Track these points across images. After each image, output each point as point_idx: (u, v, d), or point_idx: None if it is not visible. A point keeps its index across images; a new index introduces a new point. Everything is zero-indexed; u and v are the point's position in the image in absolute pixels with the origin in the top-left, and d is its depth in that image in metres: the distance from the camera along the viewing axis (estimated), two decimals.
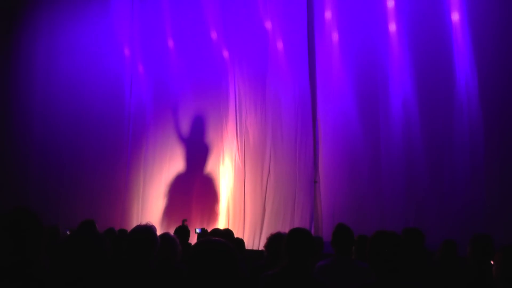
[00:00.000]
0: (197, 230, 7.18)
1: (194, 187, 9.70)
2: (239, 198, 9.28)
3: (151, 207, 9.85)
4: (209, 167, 9.73)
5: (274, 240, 3.98)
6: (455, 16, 8.11)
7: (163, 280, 2.94)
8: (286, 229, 3.97)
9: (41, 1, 11.43)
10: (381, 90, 8.52)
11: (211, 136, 9.79)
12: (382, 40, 8.60)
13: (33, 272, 1.99)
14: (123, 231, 5.86)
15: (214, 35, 10.05)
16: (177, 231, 6.22)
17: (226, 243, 2.00)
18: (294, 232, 3.27)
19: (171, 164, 9.95)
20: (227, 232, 5.25)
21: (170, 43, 10.38)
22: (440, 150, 8.06)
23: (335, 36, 9.02)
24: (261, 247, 7.57)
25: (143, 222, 3.31)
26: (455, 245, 5.01)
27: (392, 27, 8.57)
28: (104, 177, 10.31)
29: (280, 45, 9.42)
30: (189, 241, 6.32)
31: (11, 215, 2.05)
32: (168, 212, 9.69)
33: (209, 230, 6.92)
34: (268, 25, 9.56)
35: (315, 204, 8.73)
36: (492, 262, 3.14)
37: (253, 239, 8.86)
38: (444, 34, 8.14)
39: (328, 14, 9.12)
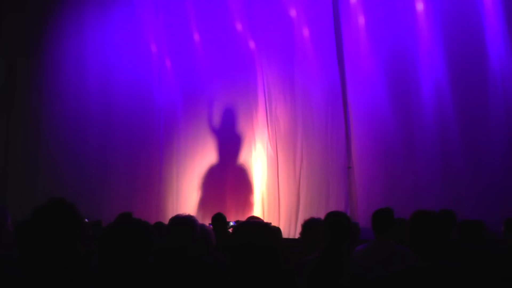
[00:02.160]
0: (231, 223, 7.20)
1: (227, 178, 9.74)
2: (273, 187, 9.29)
3: (186, 200, 9.92)
4: (242, 157, 9.75)
5: (309, 226, 3.96)
6: None
7: (202, 269, 2.95)
8: (321, 216, 3.92)
9: (68, 3, 11.56)
10: (411, 72, 8.38)
11: (241, 127, 9.81)
12: (410, 20, 8.44)
13: (74, 263, 2.01)
14: (159, 224, 5.90)
15: (239, 26, 10.04)
16: (214, 219, 6.26)
17: (269, 225, 2.00)
18: (331, 215, 3.24)
19: (204, 156, 9.99)
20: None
21: (196, 36, 10.40)
22: (475, 131, 7.90)
23: (361, 20, 8.90)
24: (297, 235, 7.55)
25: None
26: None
27: (420, 6, 8.41)
28: (138, 172, 10.40)
29: (306, 32, 9.35)
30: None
31: (48, 206, 2.06)
32: (203, 204, 9.74)
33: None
34: (293, 12, 9.51)
35: (349, 190, 8.67)
36: None
37: (288, 227, 8.85)
38: (474, 9, 7.94)
39: None
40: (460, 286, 2.60)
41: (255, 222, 2.07)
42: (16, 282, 1.99)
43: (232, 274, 1.89)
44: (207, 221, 7.96)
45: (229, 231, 6.33)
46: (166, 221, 3.82)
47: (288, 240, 8.01)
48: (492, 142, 7.72)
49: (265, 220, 8.67)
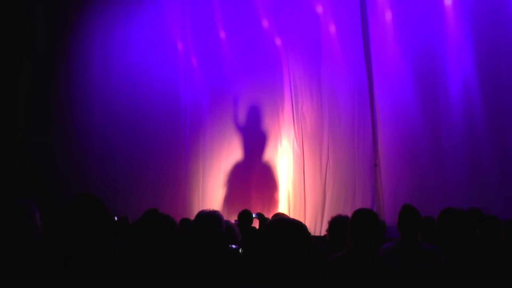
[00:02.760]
0: (253, 215, 7.21)
1: (253, 176, 9.75)
2: (299, 184, 9.26)
3: (211, 197, 9.95)
4: (267, 154, 9.74)
5: (336, 223, 3.94)
6: None
7: (228, 263, 2.96)
8: (347, 214, 3.91)
9: (94, 1, 11.70)
10: (439, 70, 8.26)
11: (268, 124, 9.79)
12: (438, 15, 8.32)
13: (101, 258, 2.02)
14: (185, 220, 5.94)
15: (265, 23, 10.02)
16: (240, 216, 6.28)
17: (300, 222, 2.00)
18: (359, 213, 3.20)
19: (229, 153, 10.01)
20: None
21: (222, 34, 10.41)
22: (504, 130, 7.77)
23: (388, 15, 8.80)
24: (323, 233, 7.52)
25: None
26: None
27: (448, 1, 8.28)
28: (165, 169, 10.47)
29: (332, 28, 9.29)
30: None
31: (77, 202, 2.08)
32: (228, 200, 9.77)
33: (270, 218, 6.97)
34: (319, 9, 9.46)
35: (376, 187, 8.61)
36: None
37: (314, 225, 8.82)
38: (504, 5, 7.80)
39: None
40: (490, 285, 2.56)
41: (288, 218, 2.07)
42: (44, 276, 2.02)
43: (263, 269, 1.89)
44: (232, 218, 7.98)
45: (255, 227, 6.34)
46: (192, 218, 3.84)
47: (314, 237, 7.98)
48: None
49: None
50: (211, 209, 3.29)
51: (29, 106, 11.54)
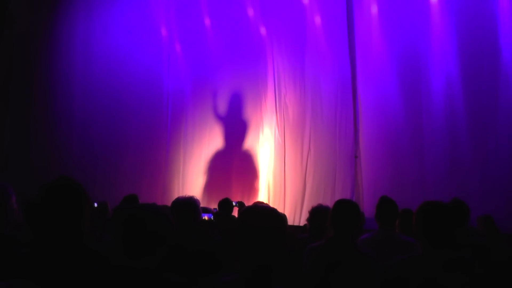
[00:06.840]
0: (234, 203, 7.21)
1: (233, 164, 9.76)
2: (279, 174, 9.29)
3: (191, 184, 9.95)
4: (249, 143, 9.75)
5: (317, 212, 3.94)
6: None
7: (204, 250, 2.96)
8: (327, 204, 3.91)
9: None
10: (422, 64, 8.33)
11: (250, 113, 9.79)
12: (423, 11, 8.39)
13: (77, 242, 1.99)
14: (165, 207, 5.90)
15: (250, 12, 9.98)
16: (220, 204, 6.26)
17: (274, 209, 1.99)
18: (340, 203, 3.21)
19: (211, 141, 10.01)
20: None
21: (207, 21, 10.35)
22: (483, 123, 7.86)
23: (374, 9, 8.84)
24: (302, 223, 7.55)
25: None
26: (492, 219, 4.99)
27: None
28: (145, 156, 10.42)
29: (318, 20, 9.30)
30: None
31: (56, 184, 2.04)
32: (209, 188, 9.78)
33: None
34: (306, 0, 9.44)
35: (355, 179, 8.67)
36: None
37: (294, 214, 8.86)
38: (488, 3, 7.87)
39: None
40: (466, 277, 2.58)
41: (261, 206, 2.06)
42: (19, 260, 1.99)
43: (238, 255, 1.88)
44: (212, 206, 7.98)
45: (234, 216, 6.35)
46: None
47: (293, 227, 8.02)
48: (500, 137, 7.69)
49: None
50: (187, 196, 3.28)
51: (7, 90, 11.36)
